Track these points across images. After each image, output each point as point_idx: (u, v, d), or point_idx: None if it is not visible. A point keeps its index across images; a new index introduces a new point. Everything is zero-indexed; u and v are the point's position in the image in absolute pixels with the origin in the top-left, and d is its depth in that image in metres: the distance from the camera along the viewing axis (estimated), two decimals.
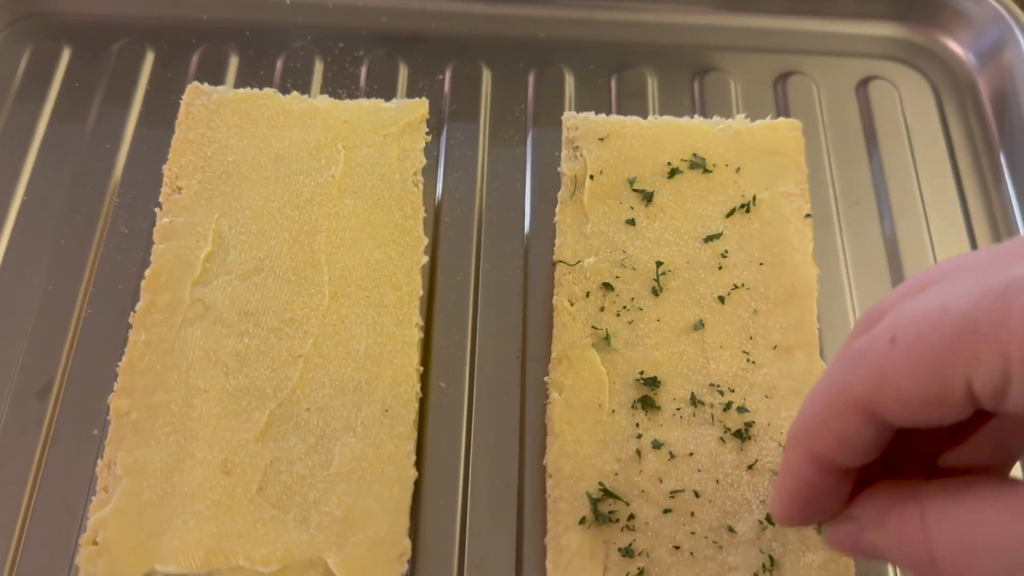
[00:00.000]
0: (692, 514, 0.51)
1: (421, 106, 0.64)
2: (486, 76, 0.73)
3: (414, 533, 0.53)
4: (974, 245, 0.67)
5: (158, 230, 0.58)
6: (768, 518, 0.51)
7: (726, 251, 0.59)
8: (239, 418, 0.52)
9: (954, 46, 0.77)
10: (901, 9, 0.78)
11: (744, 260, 0.59)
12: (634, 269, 0.58)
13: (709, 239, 0.59)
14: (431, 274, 0.63)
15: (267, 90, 0.64)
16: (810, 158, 0.65)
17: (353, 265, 0.57)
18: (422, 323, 0.58)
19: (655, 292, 0.58)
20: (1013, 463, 0.35)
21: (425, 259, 0.59)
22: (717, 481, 0.52)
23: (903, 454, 0.34)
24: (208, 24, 0.75)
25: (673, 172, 0.62)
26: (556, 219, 0.61)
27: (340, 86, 0.72)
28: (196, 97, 0.63)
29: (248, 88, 0.65)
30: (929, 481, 0.31)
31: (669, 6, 0.78)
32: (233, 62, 0.73)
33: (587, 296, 0.58)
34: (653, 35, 0.76)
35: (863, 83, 0.75)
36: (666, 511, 0.51)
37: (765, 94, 0.74)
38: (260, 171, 0.60)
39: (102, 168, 0.67)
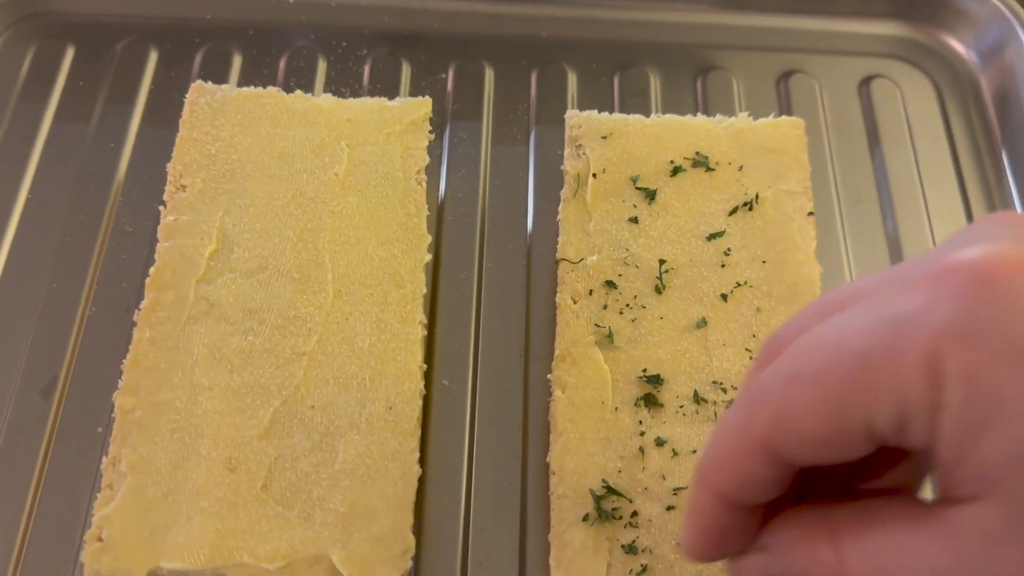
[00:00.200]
0: None
1: (424, 105, 0.65)
2: (489, 75, 0.74)
3: (418, 529, 0.53)
4: None
5: (162, 228, 0.58)
6: None
7: (729, 249, 0.59)
8: (243, 415, 0.52)
9: (956, 45, 0.77)
10: (903, 8, 0.78)
11: (747, 258, 0.59)
12: (637, 267, 0.59)
13: (712, 237, 0.60)
14: (434, 272, 0.63)
15: (271, 89, 0.64)
16: (813, 156, 0.66)
17: (357, 263, 0.58)
18: (426, 321, 0.58)
19: (658, 290, 0.58)
20: (923, 481, 0.35)
21: (428, 257, 0.59)
22: None
23: (815, 479, 0.34)
24: (211, 23, 0.75)
25: (676, 170, 0.62)
26: (559, 217, 0.62)
27: (343, 85, 0.72)
28: (200, 96, 0.63)
29: (252, 87, 0.65)
30: (841, 505, 0.31)
31: (671, 5, 0.78)
32: (236, 61, 0.73)
33: (590, 294, 0.58)
34: (655, 34, 0.77)
35: (865, 82, 0.75)
36: (669, 508, 0.51)
37: (768, 93, 0.74)
38: (264, 169, 0.60)
39: (106, 167, 0.67)
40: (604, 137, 0.63)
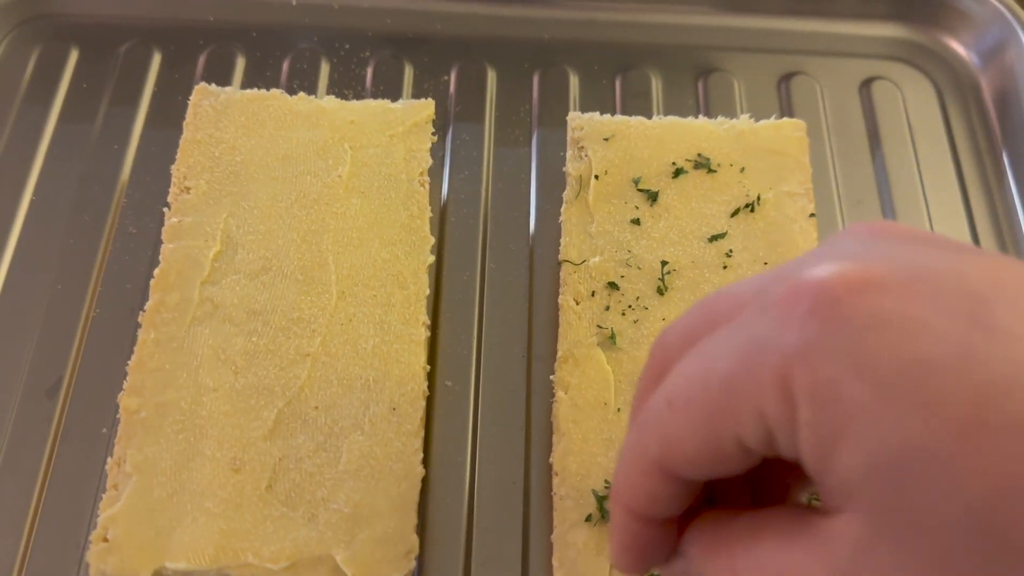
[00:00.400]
0: None
1: (427, 107, 0.65)
2: (491, 77, 0.74)
3: (421, 530, 0.54)
4: (977, 244, 0.67)
5: (167, 230, 0.59)
6: None
7: (731, 251, 0.59)
8: (248, 416, 0.52)
9: (956, 46, 0.78)
10: (903, 9, 0.79)
11: (749, 259, 0.59)
12: (639, 268, 0.59)
13: (714, 239, 0.60)
14: (437, 273, 0.63)
15: (274, 91, 0.64)
16: (814, 158, 0.66)
17: (360, 264, 0.58)
18: (429, 322, 0.58)
19: (660, 291, 0.58)
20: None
21: (431, 258, 0.60)
22: None
23: (725, 483, 0.35)
24: (215, 25, 0.75)
25: (678, 172, 0.62)
26: (561, 219, 0.62)
27: (346, 87, 0.73)
28: (204, 98, 0.64)
29: (255, 89, 0.65)
30: (740, 515, 0.32)
31: (672, 7, 0.78)
32: (240, 63, 0.74)
33: (592, 295, 0.58)
34: (657, 36, 0.77)
35: (866, 83, 0.75)
36: None
37: (769, 94, 0.74)
38: (268, 171, 0.61)
39: (110, 168, 0.67)
40: (606, 139, 0.63)
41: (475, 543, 0.54)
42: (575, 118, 0.65)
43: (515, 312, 0.62)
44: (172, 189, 0.60)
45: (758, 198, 0.61)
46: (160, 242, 0.59)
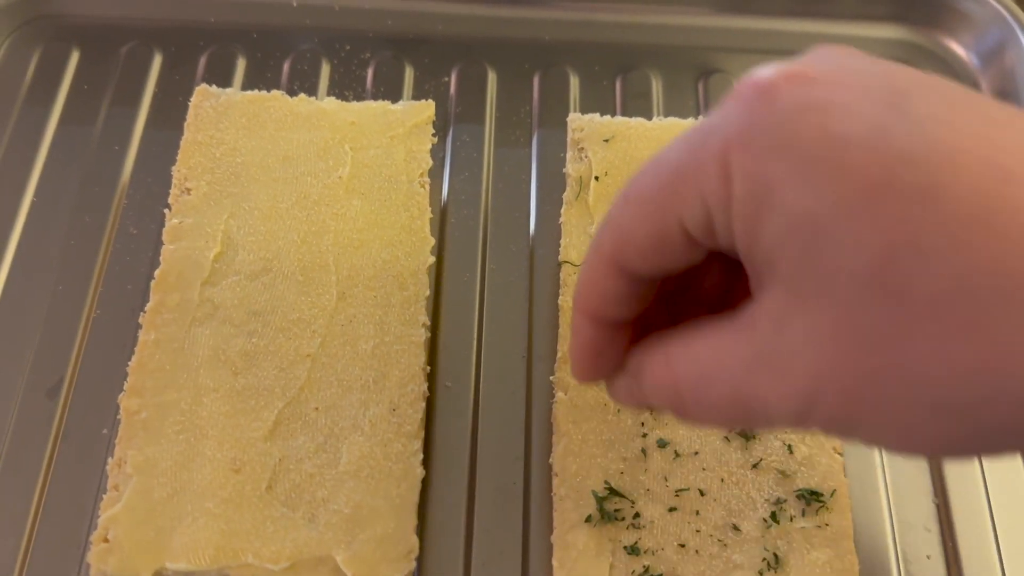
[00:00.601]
0: (697, 512, 0.52)
1: (427, 108, 0.65)
2: (491, 78, 0.74)
3: (421, 531, 0.54)
4: None
5: (167, 231, 0.59)
6: (773, 516, 0.51)
7: None
8: (248, 417, 0.53)
9: (956, 47, 0.78)
10: (903, 10, 0.79)
11: None
12: None
13: None
14: (437, 274, 0.63)
15: (275, 92, 0.65)
16: None
17: (360, 265, 0.58)
18: (429, 323, 0.58)
19: None
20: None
21: (432, 259, 0.60)
22: (722, 480, 0.53)
23: (686, 307, 0.38)
24: (215, 26, 0.76)
25: None
26: (561, 220, 0.62)
27: (347, 88, 0.73)
28: (204, 99, 0.64)
29: (256, 90, 0.65)
30: (681, 326, 0.34)
31: (673, 8, 0.78)
32: (240, 64, 0.74)
33: None
34: (657, 37, 0.77)
35: None
36: (671, 509, 0.52)
37: None
38: (268, 172, 0.61)
39: (111, 169, 0.67)
40: (606, 140, 0.63)
41: (475, 544, 0.54)
42: (575, 119, 0.65)
43: (515, 313, 0.62)
44: (173, 190, 0.60)
45: None
46: (161, 243, 0.59)
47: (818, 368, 0.28)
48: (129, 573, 0.49)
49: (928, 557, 0.55)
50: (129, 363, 0.55)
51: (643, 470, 0.53)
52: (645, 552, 0.51)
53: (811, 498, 0.52)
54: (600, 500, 0.52)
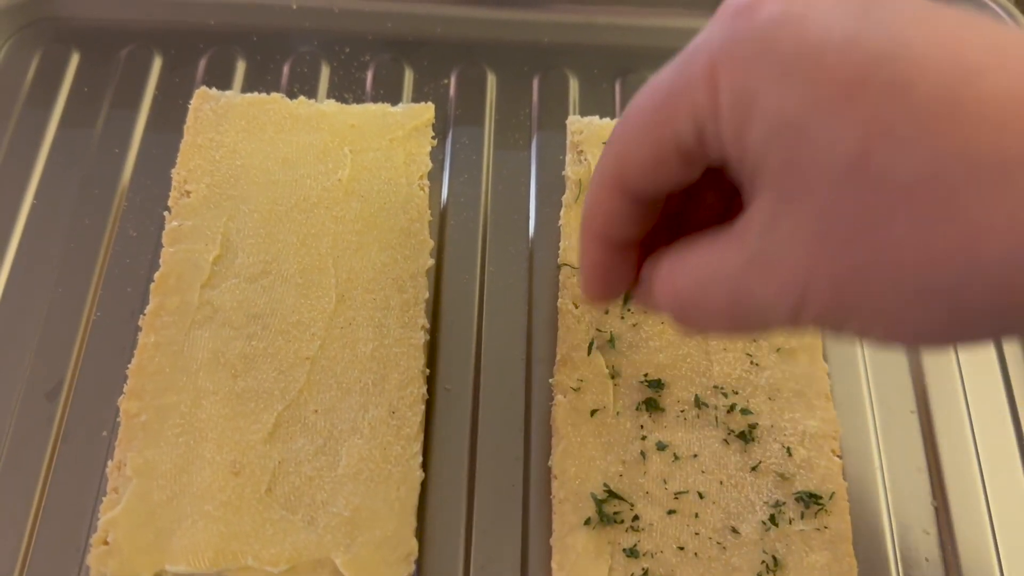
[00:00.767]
0: (696, 515, 0.52)
1: (427, 110, 0.65)
2: (491, 80, 0.74)
3: (420, 533, 0.54)
4: None
5: (167, 233, 0.59)
6: (772, 518, 0.52)
7: None
8: (247, 419, 0.53)
9: None
10: None
11: None
12: None
13: None
14: (437, 277, 0.63)
15: (274, 95, 0.65)
16: None
17: (360, 268, 0.58)
18: (428, 326, 0.58)
19: None
20: None
21: (431, 262, 0.60)
22: (721, 482, 0.53)
23: (689, 230, 0.39)
24: (215, 29, 0.76)
25: None
26: (560, 222, 0.62)
27: (346, 90, 0.73)
28: (204, 102, 0.64)
29: (255, 93, 0.65)
30: (682, 240, 0.36)
31: (672, 10, 0.78)
32: (240, 67, 0.74)
33: None
34: (656, 39, 0.77)
35: None
36: (670, 512, 0.52)
37: None
38: (268, 175, 0.61)
39: (111, 172, 0.68)
40: (605, 142, 0.63)
41: (474, 546, 0.54)
42: (574, 122, 0.65)
43: (514, 315, 0.62)
44: (172, 193, 0.61)
45: None
46: (160, 245, 0.59)
47: (807, 264, 0.30)
48: (128, 575, 0.49)
49: (927, 560, 0.55)
50: (129, 366, 0.55)
51: (642, 473, 0.53)
52: (644, 555, 0.51)
53: (810, 501, 0.52)
54: (599, 503, 0.52)
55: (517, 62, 0.75)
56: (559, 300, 0.59)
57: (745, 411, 0.55)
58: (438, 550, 0.54)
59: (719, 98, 0.31)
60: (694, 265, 0.34)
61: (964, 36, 0.28)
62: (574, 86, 0.74)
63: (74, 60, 0.74)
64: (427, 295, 0.59)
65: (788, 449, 0.54)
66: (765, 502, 0.52)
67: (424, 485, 0.54)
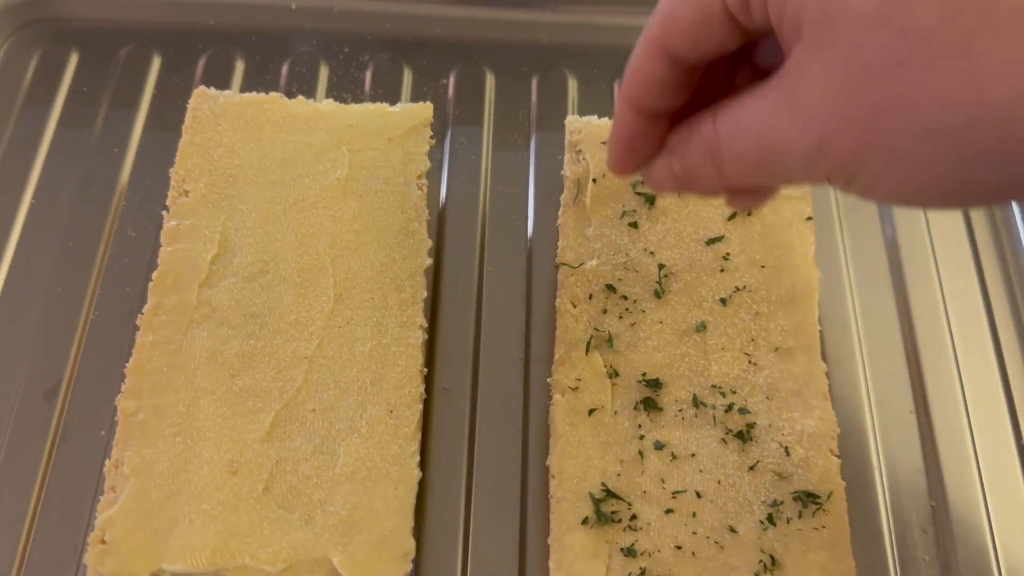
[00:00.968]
0: (694, 514, 0.52)
1: (425, 110, 0.65)
2: (490, 80, 0.74)
3: (418, 533, 0.54)
4: (975, 247, 0.67)
5: (165, 233, 0.59)
6: (769, 518, 0.51)
7: (728, 254, 0.59)
8: (245, 419, 0.53)
9: None
10: None
11: (746, 263, 0.59)
12: (636, 271, 0.59)
13: (711, 242, 0.60)
14: (436, 276, 0.63)
15: (273, 94, 0.65)
16: None
17: (357, 267, 0.58)
18: (426, 325, 0.58)
19: (657, 294, 0.58)
20: None
21: (429, 261, 0.60)
22: (719, 482, 0.53)
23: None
24: (214, 29, 0.76)
25: None
26: (559, 222, 0.62)
27: (345, 90, 0.73)
28: (203, 101, 0.64)
29: (254, 92, 0.65)
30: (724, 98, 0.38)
31: None
32: (239, 67, 0.74)
33: (590, 298, 0.58)
34: None
35: None
36: (668, 511, 0.52)
37: None
38: (265, 174, 0.61)
39: (109, 172, 0.68)
40: (604, 142, 0.63)
41: (472, 545, 0.54)
42: (573, 121, 0.65)
43: (513, 315, 0.62)
44: (171, 192, 0.61)
45: None
46: (159, 245, 0.59)
47: (830, 105, 0.32)
48: (126, 574, 0.49)
49: (925, 559, 0.55)
50: (127, 365, 0.55)
51: (640, 472, 0.53)
52: (642, 554, 0.51)
53: (808, 500, 0.52)
54: (597, 502, 0.52)
55: (516, 62, 0.75)
56: (557, 299, 0.59)
57: (743, 411, 0.55)
58: (436, 549, 0.54)
59: None
60: (735, 110, 0.37)
61: None
62: (573, 86, 0.74)
63: (73, 60, 0.74)
64: (425, 294, 0.59)
65: (786, 449, 0.54)
66: (763, 501, 0.52)
67: (422, 484, 0.54)
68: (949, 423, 0.60)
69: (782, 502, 0.52)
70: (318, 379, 0.54)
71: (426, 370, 0.58)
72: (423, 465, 0.55)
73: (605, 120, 0.65)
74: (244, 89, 0.72)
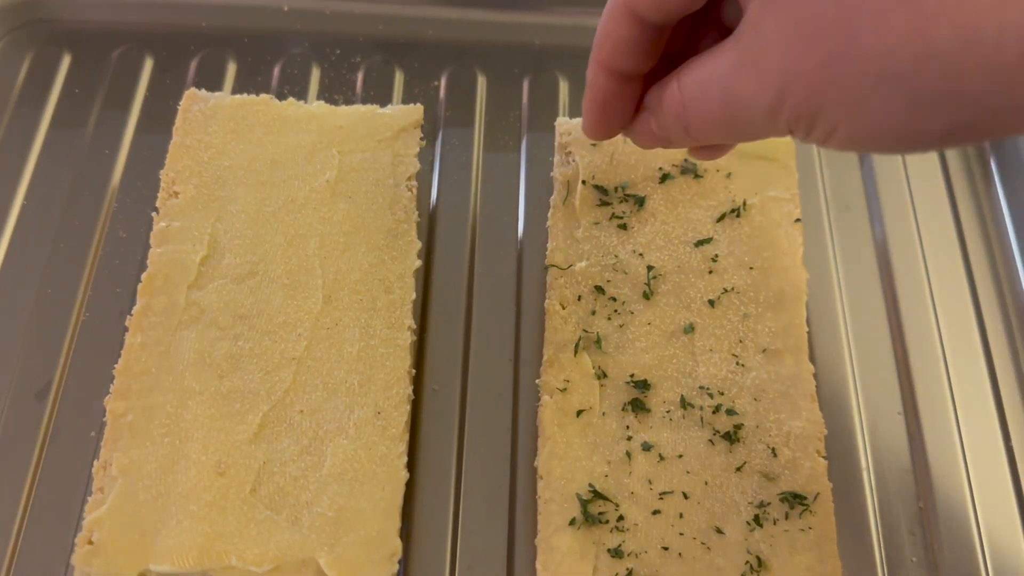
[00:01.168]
0: (681, 515, 0.52)
1: (415, 112, 0.65)
2: (481, 82, 0.74)
3: (407, 534, 0.54)
4: (964, 249, 0.67)
5: (155, 234, 0.59)
6: (756, 519, 0.52)
7: (716, 256, 0.60)
8: (233, 420, 0.53)
9: None
10: None
11: (734, 264, 0.59)
12: (625, 273, 0.59)
13: (700, 244, 0.60)
14: (426, 277, 0.63)
15: (263, 96, 0.65)
16: (801, 163, 0.66)
17: (346, 269, 0.58)
18: (415, 326, 0.59)
19: (646, 296, 0.58)
20: None
21: (418, 263, 0.60)
22: (706, 483, 0.53)
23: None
24: (207, 31, 0.76)
25: (664, 177, 0.62)
26: (548, 224, 0.62)
27: (337, 92, 0.73)
28: (193, 103, 0.64)
29: (246, 94, 0.65)
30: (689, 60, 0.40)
31: None
32: (231, 68, 0.74)
33: (579, 300, 0.58)
34: None
35: None
36: (655, 512, 0.52)
37: None
38: (255, 176, 0.61)
39: (101, 173, 0.68)
40: (594, 144, 0.63)
41: (460, 546, 0.54)
42: (563, 123, 0.65)
43: (502, 316, 0.62)
44: (160, 194, 0.61)
45: (744, 203, 0.61)
46: (150, 246, 0.59)
47: (785, 58, 0.34)
48: (113, 575, 0.49)
49: (913, 560, 0.55)
50: (116, 366, 0.55)
51: (627, 473, 0.53)
52: (629, 555, 0.51)
53: (794, 501, 0.52)
54: (584, 503, 0.52)
55: (507, 64, 0.75)
56: (546, 301, 0.59)
57: (731, 412, 0.55)
58: (424, 550, 0.54)
59: None
60: (697, 71, 0.38)
61: None
62: (564, 88, 0.74)
63: (66, 61, 0.74)
64: (414, 296, 0.59)
65: (773, 450, 0.54)
66: (750, 503, 0.52)
67: (411, 485, 0.54)
68: (937, 424, 0.60)
69: (769, 503, 0.52)
70: (306, 380, 0.54)
71: (414, 371, 0.58)
72: (412, 466, 0.55)
73: None
74: (236, 91, 0.72)
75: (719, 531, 0.51)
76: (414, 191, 0.62)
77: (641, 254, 0.60)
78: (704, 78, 0.38)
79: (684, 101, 0.39)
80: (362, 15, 0.77)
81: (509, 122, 0.72)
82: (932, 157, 0.72)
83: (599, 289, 0.59)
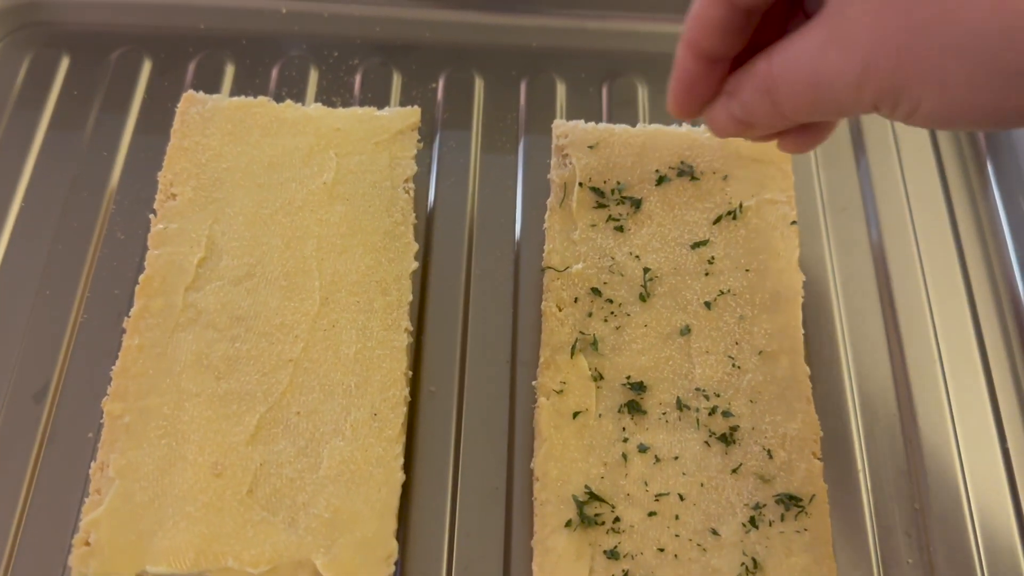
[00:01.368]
0: (677, 517, 0.52)
1: (413, 114, 0.65)
2: (479, 84, 0.74)
3: (404, 535, 0.54)
4: (960, 252, 0.67)
5: (152, 236, 0.59)
6: (752, 520, 0.52)
7: (713, 258, 0.60)
8: (230, 421, 0.53)
9: None
10: None
11: (730, 266, 0.59)
12: (622, 275, 0.59)
13: (696, 246, 0.60)
14: (423, 279, 0.64)
15: (261, 98, 0.65)
16: (798, 165, 0.66)
17: (343, 271, 0.58)
18: (412, 328, 0.59)
19: (642, 298, 0.58)
20: None
21: (415, 265, 0.60)
22: (702, 484, 0.53)
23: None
24: (205, 33, 0.76)
25: (661, 179, 0.62)
26: (545, 226, 0.62)
27: (334, 94, 0.73)
28: (191, 105, 0.64)
29: (244, 96, 0.66)
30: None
31: (659, 16, 0.78)
32: (229, 71, 0.74)
33: (575, 301, 0.59)
34: (644, 44, 0.77)
35: None
36: (651, 514, 0.52)
37: None
38: (253, 178, 0.61)
39: (99, 175, 0.68)
40: (591, 146, 0.64)
41: (457, 547, 0.54)
42: (560, 125, 0.65)
43: (499, 318, 0.63)
44: (158, 196, 0.61)
45: (740, 206, 0.61)
46: (147, 248, 0.60)
47: (869, 30, 0.35)
48: None
49: (909, 562, 0.55)
50: (113, 367, 0.55)
51: (624, 475, 0.53)
52: (624, 556, 0.51)
53: (790, 503, 0.52)
54: (581, 505, 0.52)
55: (505, 66, 0.75)
56: (543, 303, 0.59)
57: (726, 413, 0.55)
58: (421, 551, 0.54)
59: None
60: (787, 48, 0.40)
61: None
62: (561, 90, 0.74)
63: (64, 64, 0.74)
64: (411, 298, 0.59)
65: (769, 452, 0.54)
66: (745, 504, 0.52)
67: (408, 487, 0.55)
68: (934, 426, 0.60)
69: (764, 505, 0.52)
70: (303, 382, 0.54)
71: (411, 373, 0.58)
72: (409, 468, 0.55)
73: (591, 124, 0.65)
74: (234, 93, 0.72)
75: (715, 533, 0.51)
76: (411, 193, 0.62)
77: (637, 256, 0.60)
78: (792, 54, 0.39)
79: (773, 74, 0.41)
80: (360, 17, 0.77)
81: (506, 124, 0.72)
82: (928, 159, 0.72)
83: (595, 291, 0.59)
